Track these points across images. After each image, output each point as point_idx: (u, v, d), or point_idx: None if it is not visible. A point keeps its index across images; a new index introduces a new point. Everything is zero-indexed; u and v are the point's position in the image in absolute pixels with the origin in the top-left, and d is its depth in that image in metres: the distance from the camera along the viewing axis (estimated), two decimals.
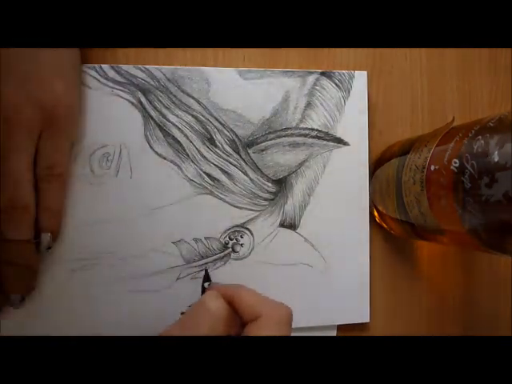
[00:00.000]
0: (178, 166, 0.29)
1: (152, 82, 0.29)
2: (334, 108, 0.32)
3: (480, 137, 0.22)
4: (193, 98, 0.30)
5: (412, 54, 0.34)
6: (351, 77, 0.32)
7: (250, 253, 0.30)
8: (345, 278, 0.31)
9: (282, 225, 0.31)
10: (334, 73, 0.32)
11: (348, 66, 0.33)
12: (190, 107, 0.30)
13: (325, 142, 0.31)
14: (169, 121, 0.29)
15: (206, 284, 0.28)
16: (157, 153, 0.29)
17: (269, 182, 0.31)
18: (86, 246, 0.28)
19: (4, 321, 0.27)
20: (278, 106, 0.31)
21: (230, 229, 0.30)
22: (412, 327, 0.34)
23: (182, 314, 0.28)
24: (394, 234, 0.32)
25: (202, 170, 0.30)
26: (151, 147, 0.29)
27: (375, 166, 0.32)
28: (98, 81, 0.28)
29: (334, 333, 0.32)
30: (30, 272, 0.26)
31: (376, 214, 0.32)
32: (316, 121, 0.31)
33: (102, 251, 0.28)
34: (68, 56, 0.26)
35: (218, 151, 0.30)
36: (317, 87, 0.31)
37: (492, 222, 0.21)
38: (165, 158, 0.29)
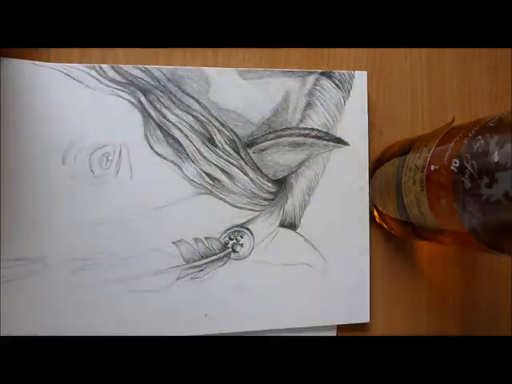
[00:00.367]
0: (178, 166, 0.29)
1: (152, 82, 0.29)
2: (334, 108, 0.32)
3: (480, 137, 0.22)
4: (193, 97, 0.30)
5: (412, 54, 0.34)
6: (351, 77, 0.32)
7: (250, 253, 0.30)
8: (345, 278, 0.31)
9: (282, 225, 0.31)
10: (333, 73, 0.32)
11: (348, 66, 0.33)
12: (189, 107, 0.30)
13: (325, 142, 0.31)
14: (169, 121, 0.29)
15: None
16: (157, 153, 0.29)
17: (269, 182, 0.31)
18: (86, 246, 0.28)
19: (4, 321, 0.27)
20: (277, 106, 0.31)
21: (230, 229, 0.30)
22: (412, 327, 0.34)
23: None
24: (394, 233, 0.32)
25: (201, 169, 0.30)
26: (151, 147, 0.29)
27: (375, 166, 0.32)
28: (98, 81, 0.28)
29: (333, 333, 0.32)
30: None
31: (376, 214, 0.32)
32: (316, 121, 0.31)
33: (102, 251, 0.28)
34: None
35: (218, 151, 0.30)
36: (317, 87, 0.31)
37: (492, 222, 0.21)
38: (165, 158, 0.29)
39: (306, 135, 0.31)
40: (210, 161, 0.30)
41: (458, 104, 0.35)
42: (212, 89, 0.30)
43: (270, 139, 0.31)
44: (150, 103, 0.29)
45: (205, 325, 0.29)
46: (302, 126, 0.31)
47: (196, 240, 0.30)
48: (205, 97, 0.30)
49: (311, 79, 0.31)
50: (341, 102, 0.32)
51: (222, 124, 0.30)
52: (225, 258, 0.30)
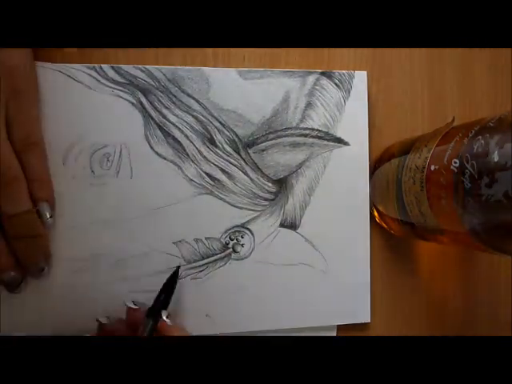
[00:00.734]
0: (179, 166, 0.29)
1: (152, 83, 0.29)
2: (334, 108, 0.32)
3: (480, 137, 0.22)
4: (193, 98, 0.30)
5: (412, 54, 0.34)
6: (351, 77, 0.32)
7: (250, 253, 0.30)
8: (345, 278, 0.31)
9: (282, 225, 0.31)
10: (334, 73, 0.32)
11: (348, 66, 0.33)
12: (190, 107, 0.30)
13: (325, 142, 0.31)
14: (169, 121, 0.29)
15: (164, 314, 0.26)
16: (157, 153, 0.29)
17: (269, 182, 0.31)
18: (87, 246, 0.28)
19: (4, 321, 0.27)
20: (278, 106, 0.31)
21: (230, 229, 0.30)
22: (412, 327, 0.34)
23: (99, 322, 0.26)
24: (394, 233, 0.32)
25: (202, 170, 0.30)
26: (151, 147, 0.29)
27: (375, 165, 0.32)
28: (98, 81, 0.28)
29: (333, 333, 0.32)
30: (41, 240, 0.27)
31: (376, 214, 0.32)
32: (316, 121, 0.31)
33: (103, 251, 0.28)
34: None
35: (219, 151, 0.30)
36: (317, 87, 0.31)
37: (492, 222, 0.21)
38: (165, 158, 0.29)
39: (306, 135, 0.31)
40: (210, 161, 0.30)
41: (458, 104, 0.35)
42: (212, 89, 0.30)
43: (271, 139, 0.31)
44: (151, 103, 0.29)
45: (205, 325, 0.29)
46: (302, 125, 0.31)
47: (196, 240, 0.30)
48: (205, 97, 0.30)
49: (311, 79, 0.31)
50: (341, 102, 0.32)
51: (222, 124, 0.30)
52: (225, 258, 0.30)
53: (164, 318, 0.26)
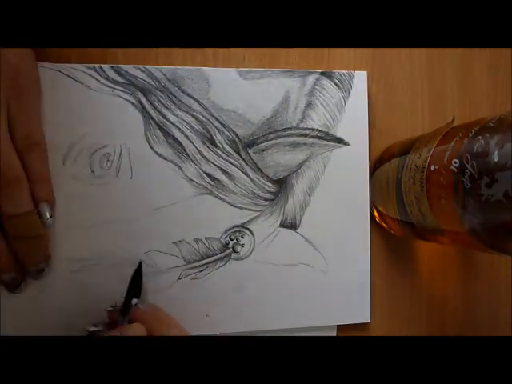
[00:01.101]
0: (179, 166, 0.29)
1: (152, 83, 0.29)
2: (334, 108, 0.32)
3: (480, 137, 0.22)
4: (193, 98, 0.30)
5: (412, 54, 0.34)
6: (351, 77, 0.32)
7: (250, 253, 0.30)
8: (345, 278, 0.31)
9: (282, 225, 0.31)
10: (334, 73, 0.32)
11: (348, 66, 0.33)
12: (190, 107, 0.30)
13: (325, 142, 0.31)
14: (169, 121, 0.29)
15: (134, 301, 0.26)
16: (157, 153, 0.29)
17: (269, 182, 0.31)
18: (87, 246, 0.28)
19: (4, 321, 0.27)
20: (278, 106, 0.31)
21: (230, 229, 0.30)
22: (412, 327, 0.34)
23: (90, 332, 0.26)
24: (394, 233, 0.32)
25: (202, 170, 0.30)
26: (151, 147, 0.29)
27: (375, 165, 0.32)
28: (98, 81, 0.28)
29: (333, 333, 0.32)
30: (41, 241, 0.27)
31: (376, 214, 0.32)
32: (316, 121, 0.31)
33: (103, 252, 0.28)
34: None
35: (219, 151, 0.30)
36: (317, 87, 0.31)
37: (492, 222, 0.21)
38: (165, 158, 0.29)
39: (306, 135, 0.31)
40: (210, 161, 0.30)
41: (458, 104, 0.35)
42: (212, 89, 0.30)
43: (271, 139, 0.31)
44: (151, 103, 0.29)
45: (205, 325, 0.29)
46: (302, 125, 0.31)
47: (196, 240, 0.30)
48: (205, 97, 0.30)
49: (311, 79, 0.31)
50: (341, 102, 0.32)
51: (222, 124, 0.30)
52: (225, 259, 0.30)
53: (133, 304, 0.26)
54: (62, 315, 0.28)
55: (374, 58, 0.33)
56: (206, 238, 0.30)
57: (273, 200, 0.31)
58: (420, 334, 0.34)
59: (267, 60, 0.32)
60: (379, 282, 0.33)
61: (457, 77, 0.35)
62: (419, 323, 0.34)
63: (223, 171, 0.30)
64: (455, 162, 0.22)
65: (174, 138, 0.29)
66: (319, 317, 0.31)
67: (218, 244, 0.30)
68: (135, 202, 0.29)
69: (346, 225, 0.32)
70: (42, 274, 0.27)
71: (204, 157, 0.30)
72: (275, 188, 0.31)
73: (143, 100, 0.29)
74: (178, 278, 0.29)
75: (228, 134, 0.30)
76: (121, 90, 0.29)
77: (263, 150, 0.31)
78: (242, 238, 0.30)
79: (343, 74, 0.32)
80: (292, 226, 0.31)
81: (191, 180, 0.30)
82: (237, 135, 0.30)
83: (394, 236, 0.33)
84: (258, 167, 0.30)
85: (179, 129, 0.29)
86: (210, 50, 0.31)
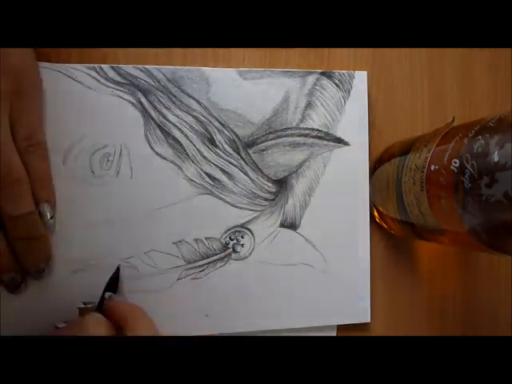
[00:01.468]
0: (179, 167, 0.29)
1: (152, 83, 0.29)
2: (334, 108, 0.32)
3: (480, 137, 0.22)
4: (193, 98, 0.30)
5: (412, 54, 0.34)
6: (351, 77, 0.32)
7: (250, 253, 0.30)
8: (345, 278, 0.31)
9: (282, 225, 0.31)
10: (334, 73, 0.32)
11: (348, 66, 0.33)
12: (190, 107, 0.30)
13: (325, 142, 0.31)
14: (169, 121, 0.29)
15: (107, 294, 0.27)
16: (157, 153, 0.29)
17: (269, 182, 0.31)
18: (87, 246, 0.28)
19: (4, 321, 0.27)
20: (278, 106, 0.31)
21: (230, 229, 0.30)
22: (412, 327, 0.34)
23: (57, 327, 0.26)
24: (394, 233, 0.32)
25: (202, 170, 0.30)
26: (151, 147, 0.29)
27: (375, 165, 0.32)
28: (98, 81, 0.28)
29: (334, 333, 0.32)
30: (42, 241, 0.27)
31: (376, 214, 0.32)
32: (316, 121, 0.31)
33: (103, 252, 0.28)
34: None
35: (219, 151, 0.30)
36: (317, 87, 0.31)
37: (492, 222, 0.21)
38: (165, 159, 0.29)
39: (306, 135, 0.31)
40: (210, 161, 0.30)
41: (458, 104, 0.35)
42: (212, 89, 0.30)
43: (271, 139, 0.31)
44: (151, 103, 0.29)
45: (205, 325, 0.29)
46: (302, 126, 0.31)
47: (196, 240, 0.30)
48: (205, 97, 0.30)
49: (311, 79, 0.31)
50: (341, 102, 0.32)
51: (222, 124, 0.30)
52: (225, 259, 0.30)
53: (106, 297, 0.26)
54: (62, 315, 0.28)
55: (374, 58, 0.33)
56: (206, 238, 0.30)
57: (273, 200, 0.31)
58: (420, 334, 0.34)
59: (267, 60, 0.32)
60: (379, 282, 0.33)
61: (457, 77, 0.35)
62: (419, 323, 0.34)
63: (223, 171, 0.30)
64: (455, 162, 0.22)
65: (174, 138, 0.29)
66: (319, 317, 0.31)
67: (218, 244, 0.30)
68: (135, 202, 0.29)
69: (346, 225, 0.32)
70: (42, 274, 0.27)
71: (204, 157, 0.30)
72: (275, 188, 0.31)
73: (143, 100, 0.29)
74: (178, 278, 0.29)
75: (228, 134, 0.30)
76: (121, 90, 0.29)
77: (263, 150, 0.31)
78: (242, 238, 0.30)
79: (343, 74, 0.32)
80: (292, 226, 0.31)
81: (191, 180, 0.30)
82: (237, 135, 0.30)
83: (394, 236, 0.33)
84: (257, 167, 0.31)
85: (179, 129, 0.29)
86: (209, 50, 0.31)
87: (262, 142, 0.31)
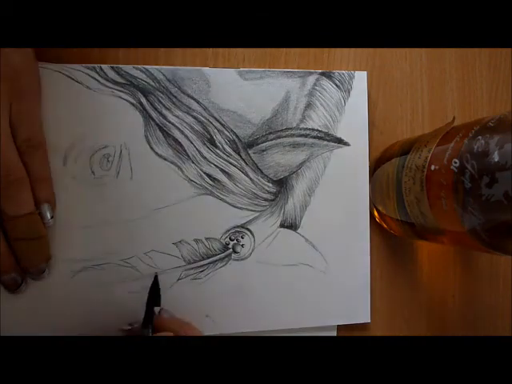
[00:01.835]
0: (179, 167, 0.29)
1: (152, 83, 0.29)
2: (334, 108, 0.32)
3: (480, 137, 0.22)
4: (193, 98, 0.30)
5: (412, 54, 0.34)
6: (351, 77, 0.32)
7: (250, 253, 0.30)
8: (345, 278, 0.31)
9: (282, 225, 0.31)
10: (333, 73, 0.32)
11: (348, 66, 0.33)
12: (190, 108, 0.30)
13: (325, 143, 0.31)
14: (169, 121, 0.29)
15: (157, 309, 0.27)
16: (157, 153, 0.29)
17: (269, 183, 0.31)
18: (87, 247, 0.28)
19: (4, 321, 0.27)
20: (278, 106, 0.31)
21: (230, 229, 0.30)
22: (412, 327, 0.34)
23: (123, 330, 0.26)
24: (394, 233, 0.32)
25: (202, 170, 0.30)
26: (151, 148, 0.29)
27: (375, 165, 0.32)
28: (98, 81, 0.28)
29: (334, 333, 0.32)
30: (42, 242, 0.27)
31: (376, 213, 0.32)
32: (316, 121, 0.31)
33: (103, 252, 0.28)
34: None
35: (219, 152, 0.30)
36: (317, 87, 0.31)
37: (492, 222, 0.21)
38: (165, 159, 0.29)
39: (306, 135, 0.31)
40: (210, 161, 0.30)
41: (458, 104, 0.35)
42: (212, 89, 0.30)
43: (271, 139, 0.31)
44: (151, 104, 0.29)
45: (205, 325, 0.29)
46: (302, 126, 0.31)
47: (196, 241, 0.30)
48: (205, 97, 0.30)
49: (311, 79, 0.31)
50: (341, 102, 0.32)
51: (222, 125, 0.30)
52: (225, 259, 0.30)
53: (157, 313, 0.26)
54: (62, 316, 0.28)
55: (373, 58, 0.33)
56: (206, 239, 0.30)
57: (273, 200, 0.31)
58: (420, 333, 0.34)
59: (267, 60, 0.32)
60: (379, 282, 0.33)
61: (457, 77, 0.35)
62: (419, 323, 0.34)
63: (223, 172, 0.30)
64: (455, 162, 0.22)
65: (174, 139, 0.29)
66: (319, 317, 0.31)
67: (218, 244, 0.30)
68: (135, 203, 0.29)
69: (346, 225, 0.32)
70: (43, 274, 0.27)
71: (204, 157, 0.30)
72: (275, 188, 0.31)
73: (143, 100, 0.29)
74: (178, 279, 0.29)
75: (228, 134, 0.30)
76: (121, 91, 0.29)
77: (263, 151, 0.31)
78: (242, 238, 0.30)
79: (343, 74, 0.32)
80: (292, 226, 0.31)
81: (191, 180, 0.30)
82: (237, 136, 0.30)
83: (394, 236, 0.33)
84: (258, 168, 0.31)
85: (179, 129, 0.29)
86: (209, 50, 0.31)
87: (262, 143, 0.31)
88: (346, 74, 0.32)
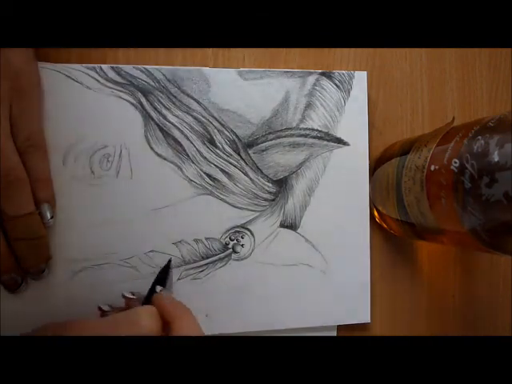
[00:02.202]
0: (179, 167, 0.29)
1: (152, 83, 0.29)
2: (334, 108, 0.32)
3: (480, 137, 0.22)
4: (193, 98, 0.30)
5: (412, 54, 0.34)
6: (351, 77, 0.32)
7: (250, 253, 0.30)
8: (345, 278, 0.31)
9: (282, 225, 0.31)
10: (333, 73, 0.32)
11: (348, 66, 0.33)
12: (190, 108, 0.30)
13: (325, 142, 0.31)
14: (169, 121, 0.29)
15: (158, 288, 0.26)
16: (157, 153, 0.29)
17: (269, 183, 0.31)
18: (87, 247, 0.28)
19: (4, 321, 0.27)
20: (278, 106, 0.31)
21: (230, 229, 0.30)
22: (412, 327, 0.34)
23: (102, 310, 0.26)
24: (394, 233, 0.32)
25: (202, 170, 0.30)
26: (151, 148, 0.29)
27: (375, 166, 0.32)
28: (98, 81, 0.28)
29: (334, 333, 0.32)
30: (42, 242, 0.27)
31: (376, 213, 0.32)
32: (316, 121, 0.31)
33: (103, 252, 0.28)
34: None
35: (219, 152, 0.30)
36: (317, 87, 0.31)
37: (492, 222, 0.21)
38: (165, 159, 0.29)
39: (306, 135, 0.31)
40: (210, 161, 0.30)
41: (458, 104, 0.35)
42: (212, 89, 0.30)
43: (271, 139, 0.31)
44: (150, 104, 0.29)
45: (205, 325, 0.29)
46: (302, 126, 0.31)
47: (196, 241, 0.30)
48: (205, 97, 0.30)
49: (311, 79, 0.31)
50: (341, 103, 0.32)
51: (222, 124, 0.30)
52: (225, 259, 0.30)
53: (157, 291, 0.26)
54: (62, 316, 0.28)
55: (373, 58, 0.33)
56: (205, 239, 0.30)
57: (273, 200, 0.31)
58: (420, 334, 0.34)
59: (267, 60, 0.32)
60: (379, 282, 0.33)
61: (457, 77, 0.35)
62: (419, 323, 0.34)
63: (223, 172, 0.30)
64: (455, 162, 0.22)
65: (174, 139, 0.29)
66: (319, 317, 0.31)
67: (217, 244, 0.30)
68: (135, 203, 0.29)
69: (346, 225, 0.32)
70: (43, 274, 0.27)
71: (204, 157, 0.30)
72: (275, 188, 0.31)
73: (143, 100, 0.29)
74: (178, 279, 0.29)
75: (228, 134, 0.30)
76: (121, 91, 0.29)
77: (263, 151, 0.31)
78: (242, 238, 0.30)
79: (343, 74, 0.32)
80: (292, 226, 0.31)
81: (191, 180, 0.30)
82: (237, 135, 0.30)
83: (394, 236, 0.33)
84: (257, 167, 0.31)
85: (179, 129, 0.29)
86: (209, 50, 0.31)
87: (261, 143, 0.31)
88: (345, 74, 0.32)
